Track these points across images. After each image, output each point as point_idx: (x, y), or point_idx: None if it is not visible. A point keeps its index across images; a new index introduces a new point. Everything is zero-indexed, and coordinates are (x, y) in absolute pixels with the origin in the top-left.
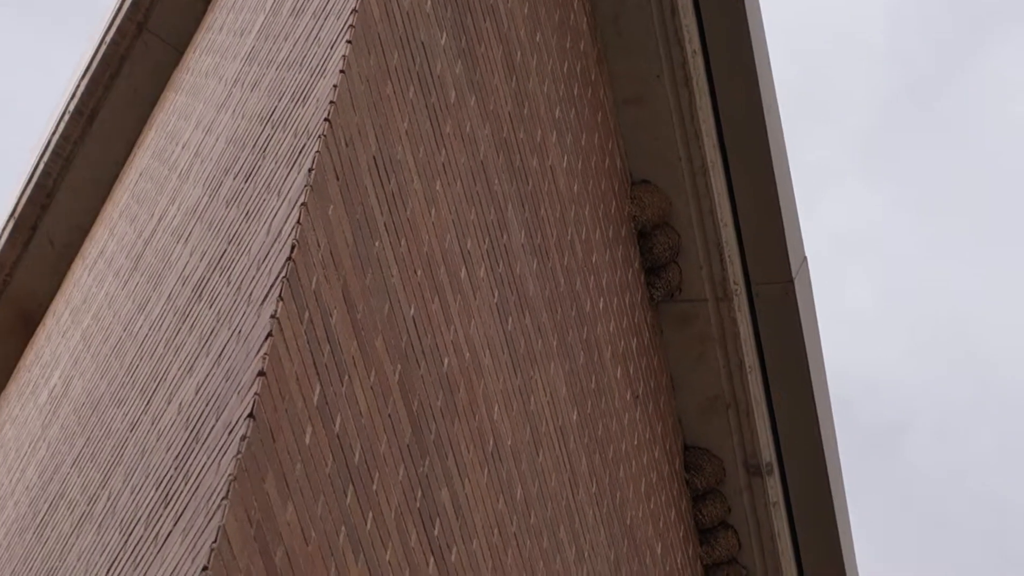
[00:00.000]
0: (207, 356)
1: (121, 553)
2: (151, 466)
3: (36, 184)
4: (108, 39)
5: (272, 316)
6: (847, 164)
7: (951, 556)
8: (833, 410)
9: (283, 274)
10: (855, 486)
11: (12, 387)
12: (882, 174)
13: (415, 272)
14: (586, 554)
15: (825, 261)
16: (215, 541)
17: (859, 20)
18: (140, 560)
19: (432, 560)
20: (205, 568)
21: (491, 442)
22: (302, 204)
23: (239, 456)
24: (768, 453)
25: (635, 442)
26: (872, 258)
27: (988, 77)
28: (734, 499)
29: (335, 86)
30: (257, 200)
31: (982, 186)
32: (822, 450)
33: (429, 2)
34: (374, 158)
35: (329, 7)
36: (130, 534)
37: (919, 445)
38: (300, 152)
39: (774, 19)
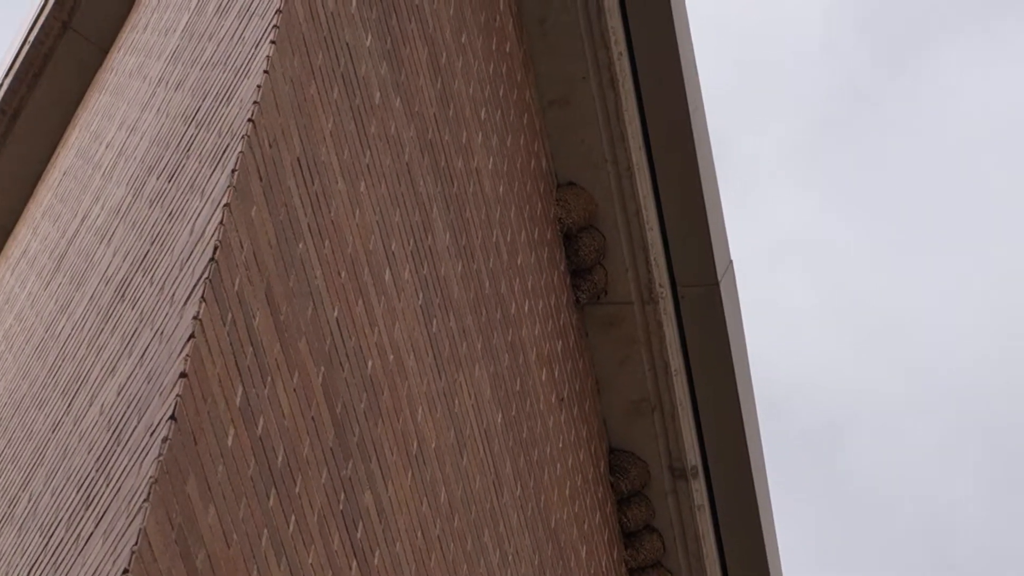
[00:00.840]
0: (129, 357)
1: (42, 556)
2: (72, 468)
3: None
4: (32, 38)
5: (195, 317)
6: (783, 165)
7: (889, 558)
8: (768, 412)
9: (206, 275)
10: (790, 489)
11: None
12: (819, 175)
13: (339, 274)
14: (510, 558)
15: (760, 263)
16: (136, 543)
17: (796, 21)
18: (61, 562)
19: (355, 563)
20: (126, 571)
21: (415, 445)
22: (225, 205)
23: (160, 458)
24: (693, 456)
25: (560, 445)
26: (809, 259)
27: (927, 80)
28: (659, 502)
29: (259, 86)
30: (180, 200)
31: (920, 187)
32: (747, 453)
33: (354, 3)
34: (298, 159)
35: (253, 7)
36: (51, 536)
37: (856, 446)
38: (224, 152)
39: (706, 20)
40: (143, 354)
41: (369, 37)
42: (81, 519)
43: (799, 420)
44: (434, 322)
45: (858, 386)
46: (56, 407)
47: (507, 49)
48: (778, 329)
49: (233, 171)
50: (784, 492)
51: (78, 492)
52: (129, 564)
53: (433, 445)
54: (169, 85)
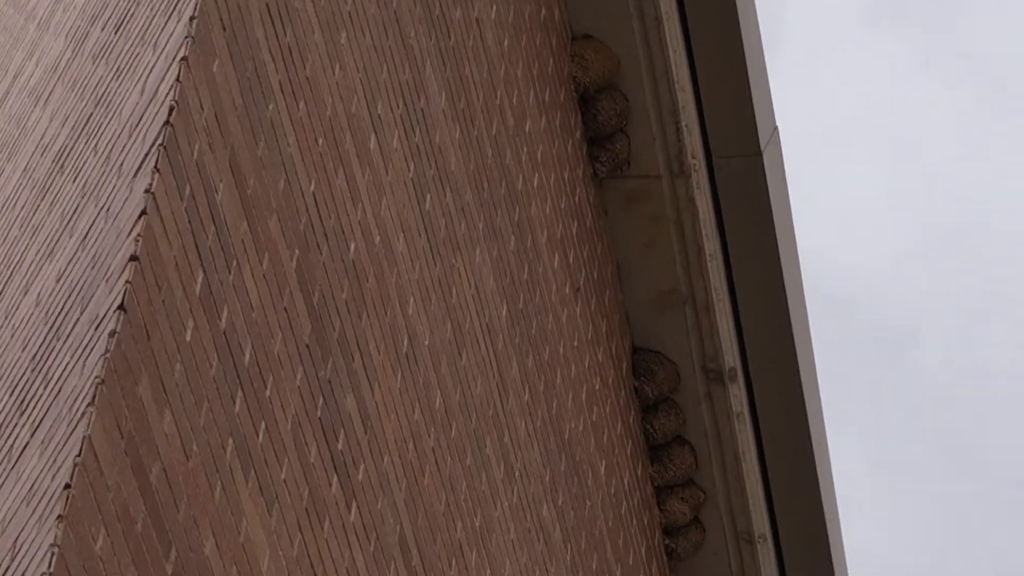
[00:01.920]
0: (70, 238)
1: None
2: (4, 367)
3: None
4: None
5: (147, 191)
6: (848, 30)
7: (959, 470)
8: (820, 313)
9: (160, 141)
10: (845, 399)
11: None
12: (893, 42)
13: (316, 141)
14: (517, 473)
15: (816, 141)
16: (79, 454)
17: None
18: None
19: (336, 479)
20: (67, 486)
21: (405, 341)
22: (182, 59)
23: (107, 355)
24: (731, 356)
25: (575, 343)
26: (877, 139)
27: None
28: (691, 410)
29: None
30: (129, 54)
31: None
32: (795, 353)
33: None
34: (267, 5)
35: None
36: None
37: (928, 351)
38: None
39: None
40: (86, 234)
41: None
42: (15, 427)
43: (857, 323)
44: (427, 198)
45: (928, 288)
46: None
47: None
48: (836, 219)
49: (191, 19)
50: (838, 403)
51: (11, 395)
52: (71, 478)
53: (426, 342)
54: None
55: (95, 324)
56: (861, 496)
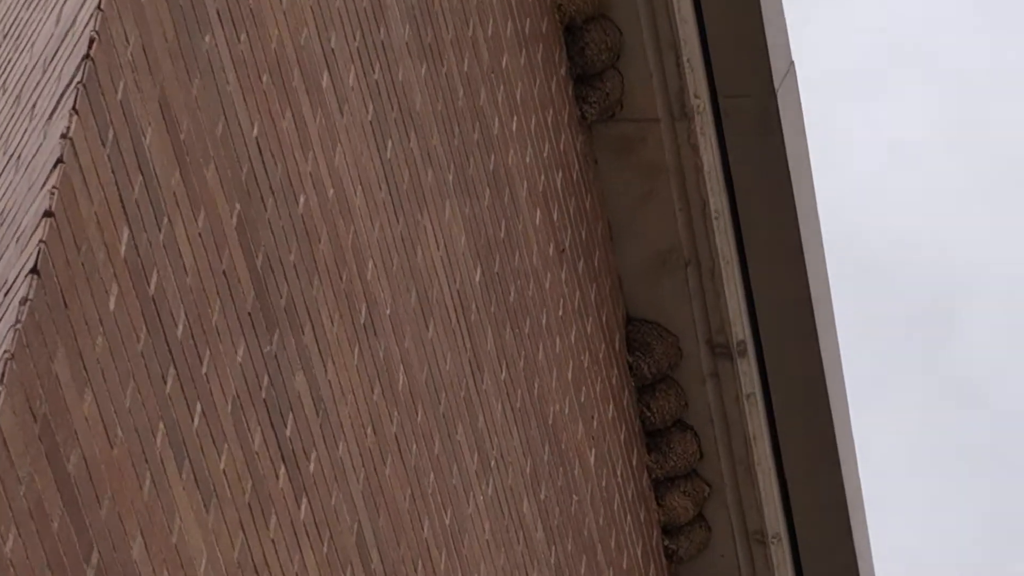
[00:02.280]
0: None
1: None
2: None
3: None
4: None
5: (63, 136)
6: None
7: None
8: (848, 279)
9: (78, 79)
10: (890, 373)
11: None
12: None
13: (260, 78)
14: (493, 463)
15: (847, 80)
16: None
17: None
18: None
19: (283, 469)
20: None
21: (363, 311)
22: None
23: (18, 327)
24: (741, 328)
25: (560, 312)
26: (917, 75)
27: None
28: (694, 390)
29: None
30: None
31: None
32: (814, 324)
33: None
34: None
35: None
36: None
37: (980, 320)
38: None
39: None
40: None
41: None
42: None
43: (891, 291)
44: (389, 145)
45: (976, 252)
46: None
47: None
48: (869, 170)
49: None
50: (869, 382)
51: None
52: None
53: (388, 311)
54: None
55: (4, 290)
56: (895, 491)
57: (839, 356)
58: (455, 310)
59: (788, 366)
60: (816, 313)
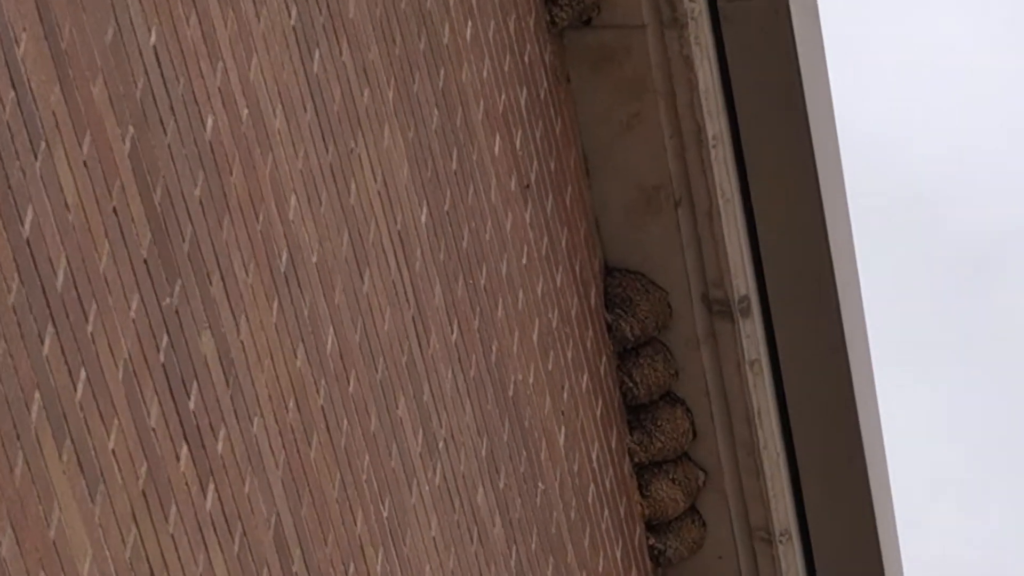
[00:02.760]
0: None
1: None
2: None
3: None
4: None
5: None
6: None
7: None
8: (885, 213)
9: None
10: (930, 334)
11: None
12: None
13: None
14: (441, 444)
15: None
16: None
17: None
18: None
19: (186, 450)
20: None
21: (284, 257)
22: None
23: None
24: (743, 281)
25: (523, 261)
26: None
27: None
28: (686, 356)
29: None
30: None
31: None
32: (832, 275)
33: None
34: None
35: None
36: None
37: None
38: None
39: None
40: None
41: None
42: None
43: (927, 236)
44: (316, 56)
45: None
46: None
47: None
48: (894, 91)
49: None
50: (903, 346)
51: None
52: None
53: (314, 258)
54: None
55: None
56: (932, 478)
57: (863, 315)
58: (396, 257)
59: (801, 327)
60: (835, 263)
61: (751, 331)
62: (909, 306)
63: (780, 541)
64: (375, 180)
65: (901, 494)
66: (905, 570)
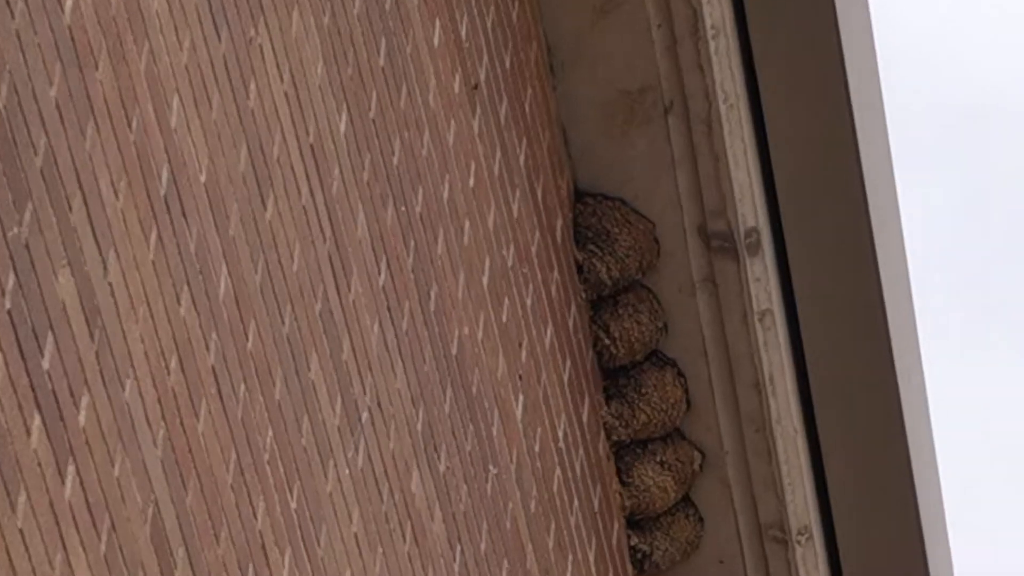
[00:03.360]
0: None
1: None
2: None
3: None
4: None
5: None
6: None
7: None
8: (910, 120)
9: None
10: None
11: None
12: None
13: None
14: (365, 416)
15: None
16: None
17: None
18: None
19: (38, 420)
20: None
21: (164, 177)
22: None
23: None
24: (751, 209)
25: (471, 183)
26: None
27: None
28: (678, 305)
29: None
30: None
31: None
32: (864, 199)
33: None
34: None
35: None
36: None
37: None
38: None
39: None
40: None
41: None
42: None
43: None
44: None
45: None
46: None
47: None
48: None
49: None
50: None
51: None
52: None
53: (203, 177)
54: None
55: None
56: (990, 458)
57: (903, 252)
58: (307, 178)
59: (824, 268)
60: (868, 187)
61: (761, 273)
62: (961, 240)
63: (798, 542)
64: (281, 79)
65: (952, 481)
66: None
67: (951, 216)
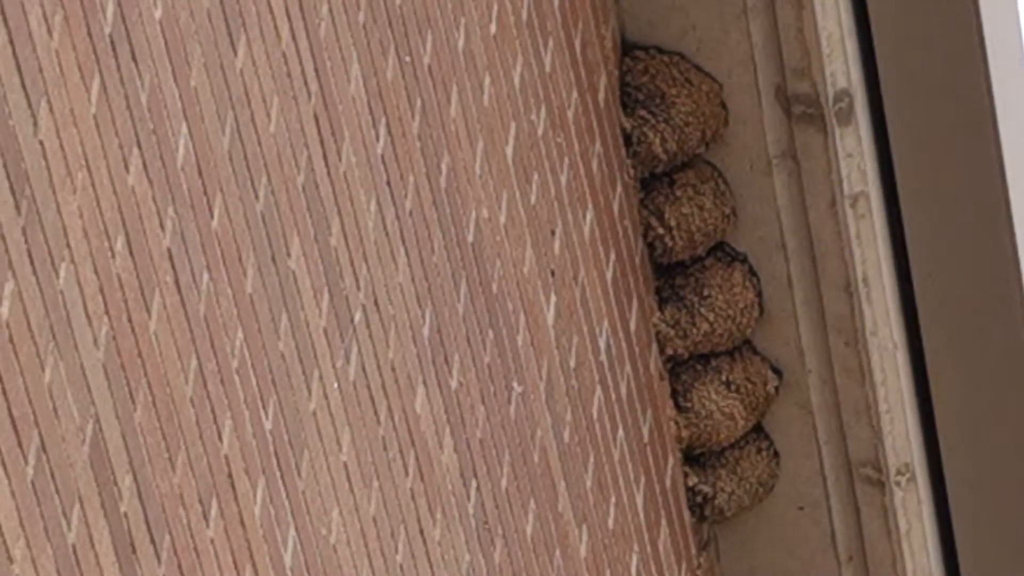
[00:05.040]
0: None
1: None
2: None
3: None
4: None
5: None
6: None
7: None
8: None
9: None
10: None
11: None
12: None
13: None
14: (358, 316)
15: None
16: None
17: None
18: None
19: None
20: None
21: (110, 6)
22: None
23: None
24: (843, 67)
25: (492, 28)
26: None
27: None
28: (751, 187)
29: None
30: None
31: None
32: (984, 56)
33: None
34: None
35: None
36: None
37: None
38: None
39: None
40: None
41: None
42: None
43: None
44: None
45: None
46: None
47: None
48: None
49: None
50: None
51: None
52: None
53: (158, 13)
54: None
55: None
56: None
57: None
58: (288, 17)
59: (931, 141)
60: (987, 33)
61: (854, 147)
62: None
63: (897, 483)
64: None
65: None
66: None
67: None
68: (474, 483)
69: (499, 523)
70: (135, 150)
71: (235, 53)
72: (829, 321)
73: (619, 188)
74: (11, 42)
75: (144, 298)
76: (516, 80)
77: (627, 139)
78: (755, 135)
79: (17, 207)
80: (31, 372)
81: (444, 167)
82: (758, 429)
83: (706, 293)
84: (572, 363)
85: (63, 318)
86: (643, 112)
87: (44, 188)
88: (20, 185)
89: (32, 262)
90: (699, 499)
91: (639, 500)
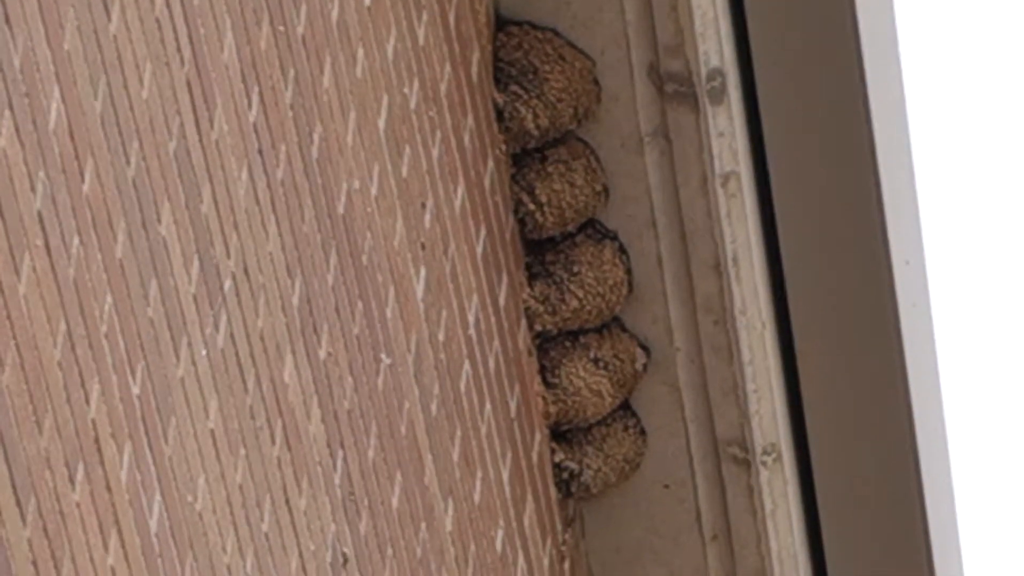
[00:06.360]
0: None
1: None
2: None
3: None
4: None
5: None
6: None
7: None
8: None
9: None
10: None
11: None
12: None
13: None
14: (228, 284)
15: None
16: None
17: None
18: None
19: None
20: None
21: None
22: None
23: None
24: (716, 46)
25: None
26: None
27: None
28: (622, 164)
29: None
30: None
31: None
32: (856, 34)
33: None
34: None
35: None
36: None
37: None
38: None
39: None
40: None
41: None
42: None
43: None
44: None
45: None
46: None
47: None
48: None
49: None
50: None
51: None
52: None
53: None
54: None
55: None
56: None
57: (903, 102)
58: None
59: (804, 121)
60: (860, 12)
61: (725, 126)
62: (972, 86)
63: (763, 463)
64: None
65: (954, 389)
66: (960, 505)
67: (957, 59)
68: (341, 453)
69: (365, 494)
70: (6, 112)
71: (109, 18)
72: (698, 300)
73: (490, 163)
74: None
75: (14, 260)
76: (389, 52)
77: (499, 114)
78: (627, 113)
79: None
80: None
81: (316, 137)
82: (625, 406)
83: (575, 270)
84: (441, 337)
85: None
86: (516, 87)
87: None
88: None
89: None
90: (565, 475)
91: (505, 475)
